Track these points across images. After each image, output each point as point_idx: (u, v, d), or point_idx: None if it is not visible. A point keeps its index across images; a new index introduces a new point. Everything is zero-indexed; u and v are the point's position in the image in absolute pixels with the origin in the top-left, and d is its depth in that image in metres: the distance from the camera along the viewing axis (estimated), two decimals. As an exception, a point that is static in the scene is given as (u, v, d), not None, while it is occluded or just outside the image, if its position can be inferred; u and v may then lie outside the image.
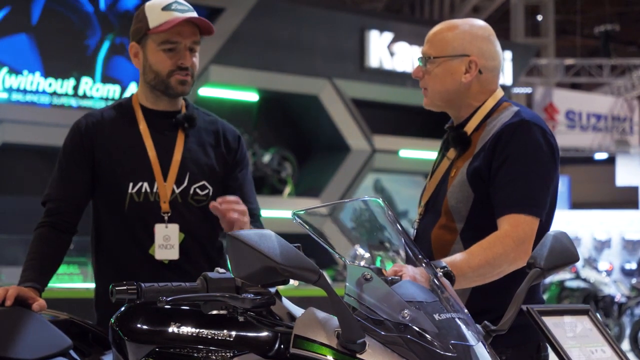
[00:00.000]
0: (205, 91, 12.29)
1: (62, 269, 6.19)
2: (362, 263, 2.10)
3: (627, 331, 12.54)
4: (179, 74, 2.90)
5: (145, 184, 2.89)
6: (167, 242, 2.87)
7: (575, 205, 21.44)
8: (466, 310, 2.06)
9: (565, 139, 19.05)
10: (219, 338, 2.10)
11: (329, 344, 1.94)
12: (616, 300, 13.32)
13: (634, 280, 14.48)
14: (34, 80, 11.13)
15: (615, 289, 13.59)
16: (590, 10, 21.77)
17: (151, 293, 2.06)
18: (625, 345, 11.94)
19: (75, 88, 11.38)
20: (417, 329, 1.92)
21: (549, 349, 2.23)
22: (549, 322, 2.12)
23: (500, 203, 2.59)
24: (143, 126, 2.95)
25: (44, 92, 11.19)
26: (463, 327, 1.98)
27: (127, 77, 11.47)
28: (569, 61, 21.11)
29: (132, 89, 11.41)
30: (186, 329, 2.13)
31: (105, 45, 11.59)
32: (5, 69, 10.97)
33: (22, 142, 10.87)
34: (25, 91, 11.09)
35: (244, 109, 13.14)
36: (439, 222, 2.71)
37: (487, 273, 2.50)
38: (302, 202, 12.49)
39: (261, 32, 12.70)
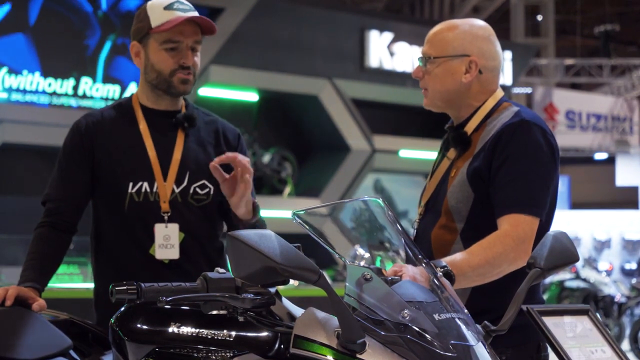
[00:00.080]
0: (205, 91, 12.29)
1: (62, 269, 6.19)
2: (362, 263, 2.10)
3: (627, 331, 12.54)
4: (181, 72, 2.90)
5: (145, 184, 2.89)
6: (167, 241, 2.87)
7: (575, 205, 21.44)
8: (466, 310, 2.06)
9: (565, 139, 19.05)
10: (219, 338, 2.10)
11: (329, 344, 1.94)
12: (616, 300, 13.33)
13: (634, 280, 14.48)
14: (33, 80, 11.13)
15: (615, 289, 13.59)
16: (590, 10, 21.77)
17: (151, 293, 2.06)
18: (625, 345, 11.95)
19: (75, 88, 11.38)
20: (417, 329, 1.92)
21: (549, 349, 2.23)
22: (549, 322, 2.12)
23: (500, 203, 2.59)
24: (143, 126, 2.95)
25: (43, 92, 11.19)
26: (463, 327, 1.98)
27: (129, 77, 11.48)
28: (569, 61, 21.11)
29: (132, 88, 11.41)
30: (186, 329, 2.13)
31: (107, 46, 11.60)
32: (5, 69, 10.97)
33: (22, 142, 10.87)
34: (24, 91, 11.09)
35: (244, 109, 13.13)
36: (439, 222, 2.71)
37: (487, 272, 2.50)
38: (302, 202, 12.49)
39: (261, 32, 12.70)
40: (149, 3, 2.94)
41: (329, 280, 1.96)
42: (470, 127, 2.75)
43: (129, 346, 2.19)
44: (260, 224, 2.89)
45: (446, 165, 2.77)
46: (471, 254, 2.48)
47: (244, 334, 2.10)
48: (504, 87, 3.06)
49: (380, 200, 2.16)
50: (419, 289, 2.01)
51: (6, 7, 11.04)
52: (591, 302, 13.21)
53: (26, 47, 11.13)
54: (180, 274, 2.77)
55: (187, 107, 3.03)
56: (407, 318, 1.93)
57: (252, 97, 13.16)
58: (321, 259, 5.51)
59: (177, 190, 2.90)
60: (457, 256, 2.48)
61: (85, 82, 11.43)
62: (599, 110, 20.53)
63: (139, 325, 2.19)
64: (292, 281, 2.00)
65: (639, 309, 13.72)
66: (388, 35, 14.09)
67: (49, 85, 11.22)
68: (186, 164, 2.93)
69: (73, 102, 11.36)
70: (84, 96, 11.43)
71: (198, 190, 2.93)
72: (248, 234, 1.85)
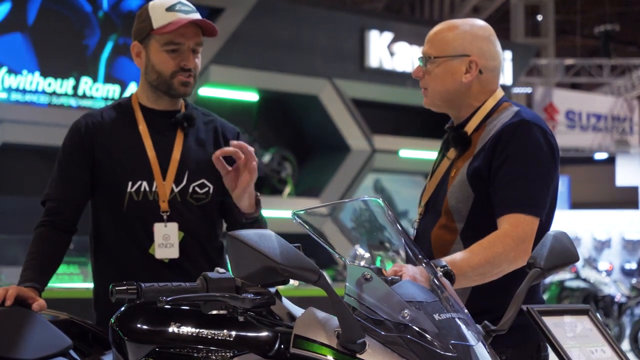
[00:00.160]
0: (205, 91, 12.29)
1: (62, 269, 6.19)
2: (362, 263, 2.10)
3: (627, 331, 12.54)
4: (181, 75, 2.90)
5: (144, 183, 2.89)
6: (166, 241, 2.87)
7: (575, 205, 21.44)
8: (466, 310, 2.06)
9: (565, 139, 19.05)
10: (219, 338, 2.10)
11: (329, 344, 1.94)
12: (616, 300, 13.33)
13: (634, 280, 14.48)
14: (33, 80, 11.13)
15: (615, 289, 13.60)
16: (590, 10, 21.77)
17: (151, 293, 2.06)
18: (625, 345, 11.95)
19: (75, 88, 11.38)
20: (417, 329, 1.92)
21: (549, 349, 2.23)
22: (549, 322, 2.12)
23: (500, 203, 2.59)
24: (142, 126, 2.95)
25: (43, 92, 11.19)
26: (463, 327, 1.98)
27: (130, 77, 11.48)
28: (569, 61, 21.11)
29: (133, 88, 11.41)
30: (186, 329, 2.13)
31: (109, 46, 11.60)
32: (4, 69, 10.97)
33: (21, 142, 10.87)
34: (24, 91, 11.10)
35: (244, 109, 13.13)
36: (439, 222, 2.71)
37: (487, 272, 2.50)
38: (302, 202, 12.49)
39: (261, 32, 12.70)
40: (150, 3, 2.94)
41: (329, 280, 1.96)
42: (470, 127, 2.75)
43: (129, 346, 2.19)
44: (262, 219, 2.89)
45: (446, 165, 2.77)
46: (471, 253, 2.48)
47: (244, 334, 2.10)
48: (504, 87, 3.06)
49: (380, 200, 2.16)
50: (419, 289, 2.01)
51: (6, 7, 11.04)
52: (591, 302, 13.21)
53: (25, 47, 11.13)
54: (180, 273, 2.77)
55: (186, 107, 3.03)
56: (407, 318, 1.93)
57: (252, 97, 13.16)
58: (321, 259, 5.51)
59: (176, 190, 2.90)
60: (457, 256, 2.48)
61: (85, 82, 11.43)
62: (599, 110, 20.53)
63: (139, 325, 2.19)
64: (292, 281, 2.00)
65: (639, 309, 13.72)
66: (388, 35, 14.09)
67: (49, 85, 11.22)
68: (185, 164, 2.93)
69: (73, 102, 11.36)
70: (84, 96, 11.44)
71: (197, 189, 2.93)
72: (248, 234, 1.85)
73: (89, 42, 11.58)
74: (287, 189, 13.26)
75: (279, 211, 10.05)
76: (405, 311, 1.94)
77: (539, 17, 20.88)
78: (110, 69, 11.59)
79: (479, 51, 2.74)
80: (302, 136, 13.89)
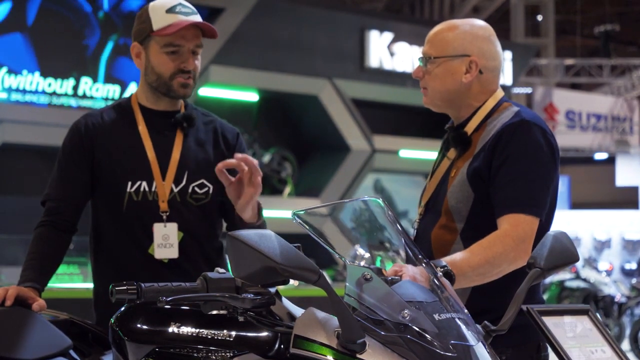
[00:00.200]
0: (205, 91, 12.29)
1: (62, 269, 6.19)
2: (362, 263, 2.10)
3: (627, 331, 12.54)
4: (181, 76, 2.90)
5: (144, 183, 2.89)
6: (166, 241, 2.87)
7: (575, 205, 21.44)
8: (466, 310, 2.06)
9: (565, 139, 19.05)
10: (219, 338, 2.10)
11: (329, 344, 1.94)
12: (616, 300, 13.33)
13: (634, 280, 14.48)
14: (33, 80, 11.14)
15: (615, 289, 13.60)
16: (590, 10, 21.77)
17: (151, 293, 2.06)
18: (625, 345, 11.95)
19: (75, 88, 11.38)
20: (417, 329, 1.92)
21: (549, 349, 2.23)
22: (549, 322, 2.12)
23: (500, 203, 2.59)
24: (142, 126, 2.95)
25: (43, 92, 11.19)
26: (463, 327, 1.98)
27: (130, 77, 11.49)
28: (569, 61, 21.11)
29: (133, 88, 11.41)
30: (186, 329, 2.13)
31: (109, 46, 11.60)
32: (4, 69, 10.97)
33: (22, 142, 10.87)
34: (24, 91, 11.10)
35: (244, 109, 13.14)
36: (439, 222, 2.71)
37: (487, 272, 2.50)
38: (302, 202, 12.49)
39: (261, 32, 12.70)
40: (150, 4, 2.93)
41: (329, 280, 1.96)
42: (470, 127, 2.75)
43: (129, 346, 2.19)
44: (263, 225, 2.89)
45: (446, 165, 2.77)
46: (471, 253, 2.48)
47: (244, 334, 2.10)
48: (504, 87, 3.06)
49: (380, 200, 2.16)
50: (419, 289, 2.01)
51: (6, 6, 11.03)
52: (591, 302, 13.21)
53: (24, 47, 11.13)
54: (180, 273, 2.77)
55: (186, 107, 3.03)
56: (407, 318, 1.93)
57: (252, 97, 13.16)
58: (321, 259, 5.51)
59: (175, 190, 2.90)
60: (457, 256, 2.48)
61: (85, 82, 11.43)
62: (599, 110, 20.53)
63: (139, 325, 2.19)
64: (292, 281, 2.00)
65: (639, 309, 13.72)
66: (388, 35, 14.09)
67: (49, 85, 11.22)
68: (185, 164, 2.93)
69: (73, 102, 11.36)
70: (84, 96, 11.44)
71: (197, 189, 2.93)
72: (248, 234, 1.85)
73: (89, 42, 11.58)
74: (287, 189, 13.27)
75: (279, 211, 10.05)
76: (405, 311, 1.93)
77: (539, 17, 20.88)
78: (111, 69, 11.60)
79: (479, 51, 2.74)
80: (302, 136, 13.90)
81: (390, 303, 1.95)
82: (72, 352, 2.57)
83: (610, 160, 21.34)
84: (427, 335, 1.92)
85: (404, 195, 14.62)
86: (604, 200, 22.55)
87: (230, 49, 12.23)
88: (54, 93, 11.25)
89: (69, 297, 5.99)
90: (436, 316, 1.95)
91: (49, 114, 10.96)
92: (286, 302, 2.22)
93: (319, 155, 13.87)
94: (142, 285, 2.06)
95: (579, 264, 13.70)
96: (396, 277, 2.06)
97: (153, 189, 2.89)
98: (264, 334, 2.09)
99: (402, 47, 14.22)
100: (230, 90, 12.69)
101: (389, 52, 14.11)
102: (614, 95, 21.15)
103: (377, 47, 13.98)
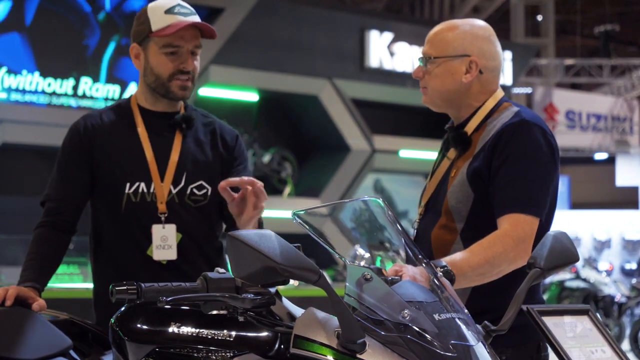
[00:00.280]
0: (205, 91, 12.29)
1: (62, 269, 6.19)
2: (362, 263, 2.10)
3: (627, 331, 12.54)
4: (179, 79, 2.89)
5: (142, 185, 2.89)
6: (164, 242, 2.86)
7: (575, 205, 21.45)
8: (466, 310, 2.06)
9: (565, 139, 19.05)
10: (219, 338, 2.10)
11: (329, 344, 1.94)
12: (616, 300, 13.33)
13: (634, 280, 14.48)
14: (32, 80, 11.14)
15: (615, 289, 13.60)
16: (590, 10, 21.77)
17: (151, 293, 2.06)
18: (625, 345, 11.95)
19: (75, 88, 11.38)
20: (417, 329, 1.92)
21: (549, 349, 2.23)
22: (549, 322, 2.12)
23: (500, 203, 2.59)
24: (141, 128, 2.95)
25: (42, 92, 11.19)
26: (463, 327, 1.98)
27: (133, 78, 11.49)
28: (569, 61, 21.11)
29: (132, 88, 11.42)
30: (186, 329, 2.13)
31: (111, 46, 11.60)
32: (4, 69, 10.97)
33: (21, 142, 10.87)
34: (24, 91, 11.10)
35: (244, 109, 13.14)
36: (439, 222, 2.71)
37: (486, 272, 2.50)
38: (302, 202, 12.49)
39: (261, 32, 12.70)
40: (149, 5, 2.93)
41: (329, 280, 1.96)
42: (470, 127, 2.75)
43: (129, 346, 2.19)
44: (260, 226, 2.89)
45: (446, 165, 2.77)
46: (471, 253, 2.48)
47: (244, 334, 2.10)
48: (504, 87, 3.06)
49: (380, 200, 2.16)
50: (419, 289, 2.01)
51: (6, 6, 11.03)
52: (591, 302, 13.21)
53: (23, 47, 11.13)
54: (178, 274, 2.77)
55: (186, 108, 3.03)
56: (407, 318, 1.93)
57: (252, 97, 13.16)
58: (321, 259, 5.51)
59: (174, 191, 2.90)
60: (457, 256, 2.48)
61: (85, 82, 11.43)
62: (599, 110, 20.54)
63: (139, 325, 2.19)
64: (292, 281, 2.00)
65: (639, 309, 13.72)
66: (388, 35, 14.09)
67: (49, 85, 11.22)
68: (183, 165, 2.92)
69: (73, 102, 11.36)
70: (84, 96, 11.44)
71: (195, 191, 2.92)
72: (248, 234, 1.85)
73: (89, 42, 11.58)
74: (287, 189, 13.27)
75: (279, 211, 10.05)
76: (405, 311, 1.93)
77: (539, 17, 20.88)
78: (113, 69, 11.60)
79: (479, 51, 2.74)
80: (302, 136, 13.90)
81: (390, 303, 1.95)
82: (72, 352, 2.57)
83: (610, 160, 21.34)
84: (427, 335, 1.92)
85: (404, 195, 14.62)
86: (604, 200, 22.55)
87: (230, 49, 12.23)
88: (53, 93, 11.24)
89: (69, 297, 5.99)
90: (436, 316, 1.95)
91: (49, 114, 10.96)
92: (286, 302, 2.22)
93: (319, 155, 13.88)
94: (142, 285, 2.06)
95: (579, 264, 13.70)
96: (396, 277, 2.06)
97: (151, 190, 2.89)
98: (264, 334, 2.09)
99: (402, 47, 14.22)
100: (230, 90, 12.69)
101: (389, 52, 14.11)
102: (614, 95, 21.15)
103: (377, 47, 13.98)
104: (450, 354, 1.90)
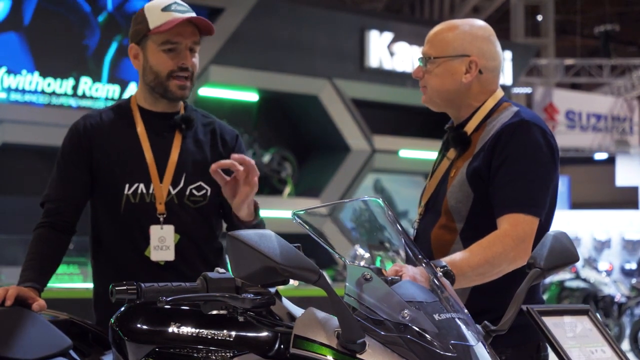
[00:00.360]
0: (205, 91, 12.30)
1: (62, 269, 6.19)
2: (362, 263, 2.10)
3: (627, 331, 12.54)
4: (177, 79, 2.89)
5: (142, 185, 2.88)
6: (162, 243, 2.86)
7: (575, 205, 21.45)
8: (466, 310, 2.06)
9: (565, 139, 19.05)
10: (219, 338, 2.10)
11: (329, 344, 1.94)
12: (616, 300, 13.33)
13: (634, 280, 14.48)
14: (32, 80, 11.13)
15: (615, 289, 13.59)
16: (590, 10, 21.77)
17: (151, 293, 2.06)
18: (625, 345, 11.95)
19: (75, 88, 11.38)
20: (417, 329, 1.92)
21: (549, 349, 2.23)
22: (549, 322, 2.12)
23: (500, 203, 2.59)
24: (141, 128, 2.95)
25: (42, 92, 11.19)
26: (463, 327, 1.98)
27: (134, 78, 11.49)
28: (569, 61, 21.11)
29: (132, 88, 11.42)
30: (186, 329, 2.13)
31: (113, 47, 11.60)
32: (3, 69, 10.97)
33: (21, 142, 10.87)
34: (24, 91, 11.10)
35: (244, 109, 13.14)
36: (438, 222, 2.71)
37: (486, 272, 2.50)
38: (302, 202, 12.50)
39: (261, 32, 12.71)
40: (146, 5, 2.94)
41: (329, 280, 1.96)
42: (470, 127, 2.75)
43: (129, 346, 2.19)
44: (260, 225, 2.88)
45: (446, 165, 2.77)
46: (471, 253, 2.48)
47: (244, 334, 2.10)
48: (504, 87, 3.06)
49: (380, 200, 2.16)
50: (419, 289, 2.01)
51: (6, 5, 11.03)
52: (591, 302, 13.21)
53: (21, 47, 11.13)
54: (176, 275, 2.76)
55: (186, 108, 3.03)
56: (407, 318, 1.93)
57: (252, 97, 13.17)
58: (321, 259, 5.51)
59: (173, 192, 2.90)
60: (457, 256, 2.48)
61: (85, 82, 11.43)
62: (599, 110, 20.54)
63: (139, 325, 2.19)
64: (292, 281, 2.00)
65: (639, 309, 13.72)
66: (388, 35, 14.09)
67: (48, 85, 11.22)
68: (183, 166, 2.92)
69: (72, 102, 11.36)
70: (84, 96, 11.44)
71: (194, 191, 2.92)
72: (248, 234, 1.85)
73: (89, 43, 11.57)
74: (287, 189, 13.27)
75: (279, 211, 10.06)
76: (405, 311, 1.93)
77: (539, 17, 20.88)
78: (115, 69, 11.61)
79: (478, 51, 2.74)
80: (302, 136, 13.90)
81: (390, 303, 1.95)
82: (72, 352, 2.57)
83: (610, 160, 21.34)
84: (427, 335, 1.92)
85: (404, 195, 14.62)
86: (604, 200, 22.55)
87: (230, 49, 12.23)
88: (53, 93, 11.24)
89: (69, 297, 5.99)
90: (436, 316, 1.95)
91: (48, 113, 10.96)
92: (286, 302, 2.22)
93: (319, 155, 13.88)
94: (142, 285, 2.06)
95: (579, 264, 13.70)
96: (396, 277, 2.06)
97: (150, 191, 2.88)
98: (264, 334, 2.09)
99: (402, 47, 14.22)
100: (230, 90, 12.69)
101: (389, 52, 14.11)
102: (614, 95, 21.15)
103: (377, 47, 13.98)
104: (450, 354, 1.90)
